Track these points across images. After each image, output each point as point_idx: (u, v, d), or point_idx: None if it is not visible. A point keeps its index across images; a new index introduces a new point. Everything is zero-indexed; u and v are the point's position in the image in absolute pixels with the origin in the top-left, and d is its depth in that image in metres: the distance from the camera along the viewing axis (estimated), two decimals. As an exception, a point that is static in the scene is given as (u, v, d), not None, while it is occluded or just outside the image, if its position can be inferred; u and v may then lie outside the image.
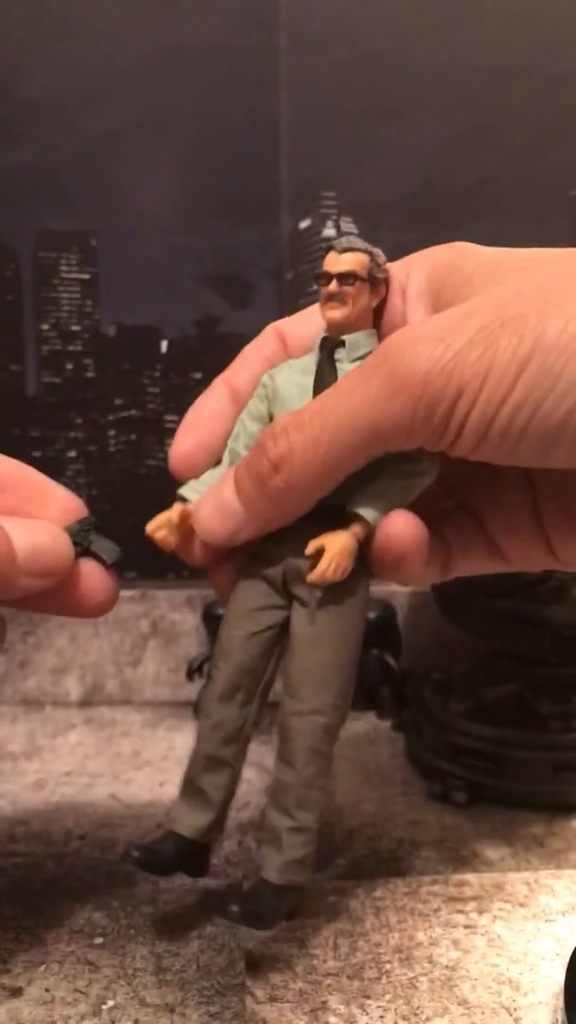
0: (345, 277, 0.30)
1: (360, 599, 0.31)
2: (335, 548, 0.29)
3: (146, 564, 0.70)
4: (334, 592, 0.30)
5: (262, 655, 0.32)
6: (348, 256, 0.30)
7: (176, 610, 0.68)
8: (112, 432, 0.69)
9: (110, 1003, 0.33)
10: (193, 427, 0.32)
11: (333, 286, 0.30)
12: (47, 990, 0.33)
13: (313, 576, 0.29)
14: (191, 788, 0.33)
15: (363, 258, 0.30)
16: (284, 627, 0.32)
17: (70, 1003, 0.33)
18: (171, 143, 0.66)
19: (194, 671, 0.65)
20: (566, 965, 0.32)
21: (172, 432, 0.70)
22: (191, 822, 0.32)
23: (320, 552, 0.29)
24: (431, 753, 0.52)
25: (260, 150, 0.65)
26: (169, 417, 0.69)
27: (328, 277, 0.30)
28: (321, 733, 0.31)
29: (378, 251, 0.31)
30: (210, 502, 0.30)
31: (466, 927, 0.37)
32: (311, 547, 0.29)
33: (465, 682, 0.54)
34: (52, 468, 0.69)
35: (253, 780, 0.49)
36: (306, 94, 0.65)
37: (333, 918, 0.37)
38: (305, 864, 0.32)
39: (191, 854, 0.33)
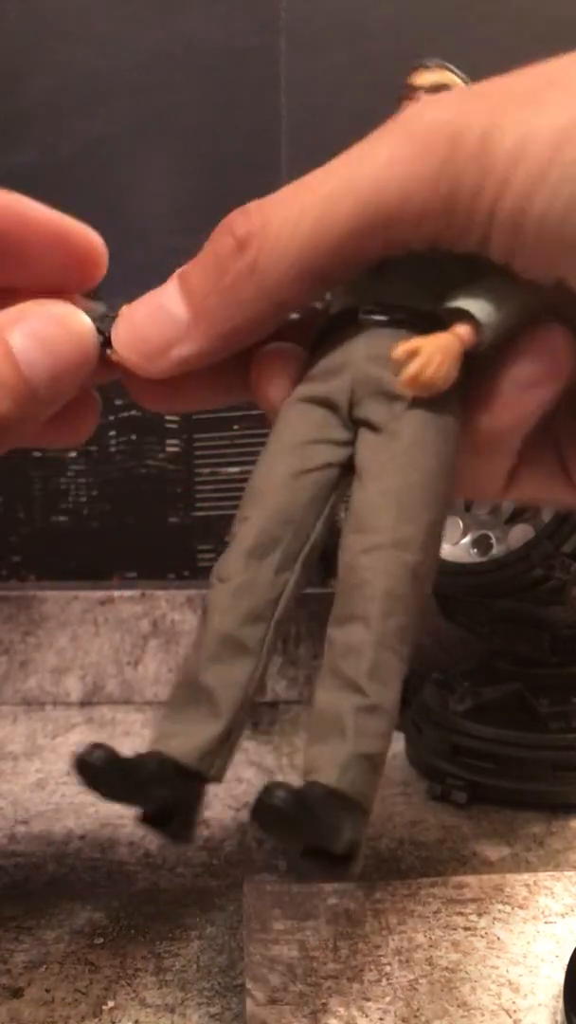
0: (437, 89, 0.25)
1: (454, 427, 0.22)
2: (434, 345, 0.21)
3: (146, 564, 0.70)
4: (422, 408, 0.22)
5: (312, 503, 0.22)
6: (437, 74, 0.26)
7: (176, 610, 0.68)
8: (112, 432, 0.70)
9: (110, 1003, 0.33)
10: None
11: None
12: (47, 990, 0.33)
13: (406, 376, 0.21)
14: (189, 688, 0.21)
15: (453, 76, 0.26)
16: (343, 472, 0.23)
17: (70, 1003, 0.33)
18: (171, 145, 0.66)
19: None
20: (566, 967, 0.32)
21: (172, 432, 0.70)
22: (186, 738, 0.21)
23: (413, 355, 0.21)
24: (431, 753, 0.52)
25: (260, 152, 0.65)
26: (170, 417, 0.69)
27: (417, 90, 0.26)
28: (407, 575, 0.21)
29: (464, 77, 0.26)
30: (141, 307, 0.22)
31: (466, 929, 0.37)
32: (401, 348, 0.21)
33: (465, 682, 0.54)
34: (52, 468, 0.69)
35: (253, 780, 0.50)
36: (306, 95, 0.65)
37: (333, 920, 0.37)
38: (376, 769, 0.21)
39: (175, 791, 0.20)
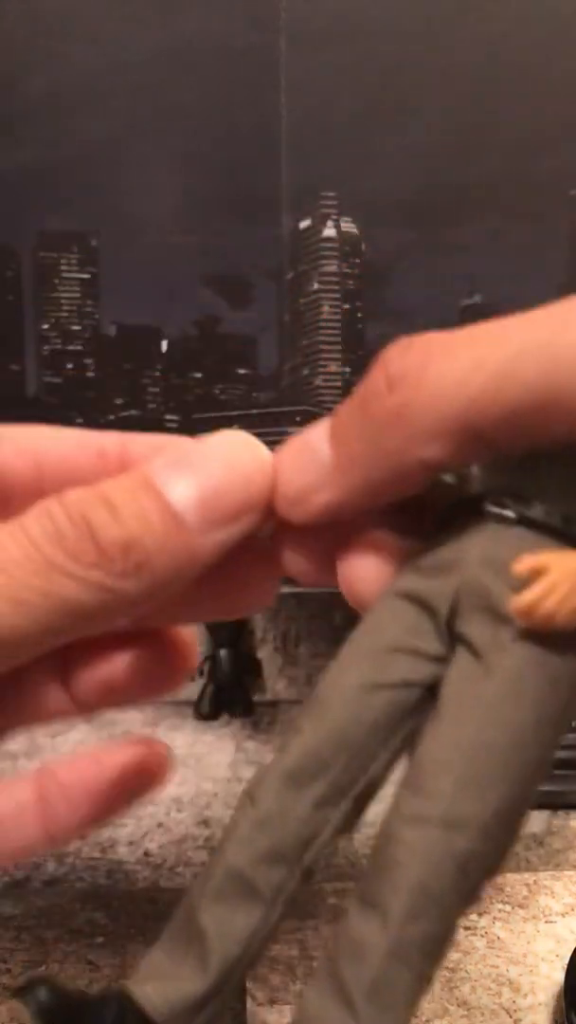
0: None
1: (571, 675, 0.17)
2: (568, 568, 0.17)
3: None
4: (536, 643, 0.17)
5: (377, 726, 0.18)
6: None
7: (176, 610, 0.68)
8: (112, 432, 0.70)
9: (110, 1004, 0.33)
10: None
11: None
12: (47, 991, 0.33)
13: (520, 602, 0.17)
14: (186, 922, 0.17)
15: None
16: (427, 695, 0.18)
17: (70, 1004, 0.33)
18: (171, 144, 0.66)
19: (194, 670, 0.65)
20: (566, 967, 0.32)
21: (172, 432, 0.70)
22: (162, 986, 0.17)
23: (538, 574, 0.17)
24: (431, 753, 0.52)
25: (260, 150, 0.65)
26: (169, 417, 0.70)
27: None
28: (452, 867, 0.16)
29: None
30: (292, 442, 0.19)
31: (466, 928, 0.37)
32: (526, 563, 0.17)
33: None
34: (52, 468, 0.69)
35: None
36: (306, 95, 0.65)
37: (333, 920, 0.37)
38: None
39: None
